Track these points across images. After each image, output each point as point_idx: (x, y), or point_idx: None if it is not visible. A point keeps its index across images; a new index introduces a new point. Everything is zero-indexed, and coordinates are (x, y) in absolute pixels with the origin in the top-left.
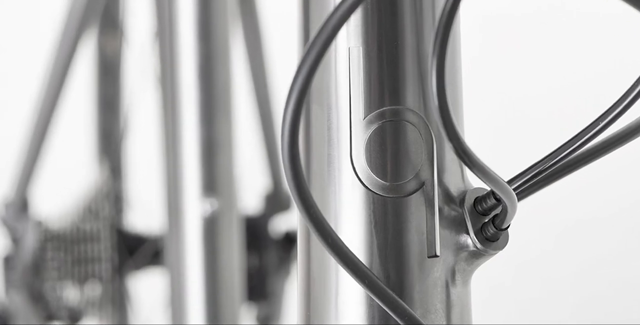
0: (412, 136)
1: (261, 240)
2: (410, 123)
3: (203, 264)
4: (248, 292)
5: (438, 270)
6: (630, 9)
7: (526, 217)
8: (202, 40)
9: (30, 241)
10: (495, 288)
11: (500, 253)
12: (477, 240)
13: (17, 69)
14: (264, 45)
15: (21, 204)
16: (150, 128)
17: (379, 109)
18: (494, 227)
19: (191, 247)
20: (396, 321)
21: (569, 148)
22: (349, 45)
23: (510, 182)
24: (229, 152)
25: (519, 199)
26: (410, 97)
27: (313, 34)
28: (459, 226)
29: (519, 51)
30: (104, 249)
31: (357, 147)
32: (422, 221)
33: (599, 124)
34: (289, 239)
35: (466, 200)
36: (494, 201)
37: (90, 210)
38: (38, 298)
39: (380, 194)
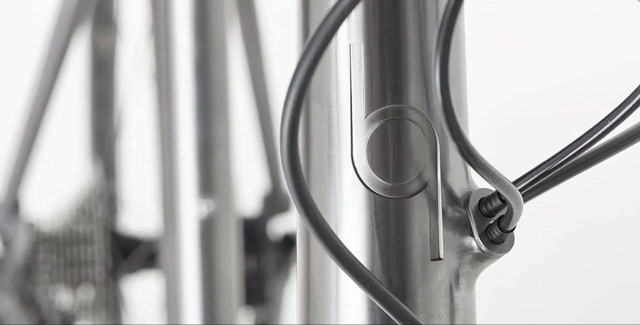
0: (415, 135)
1: (259, 243)
2: (413, 122)
3: (199, 267)
4: (246, 296)
5: (441, 274)
6: (637, 8)
7: (532, 218)
8: (198, 37)
9: (21, 243)
10: (501, 292)
11: (506, 256)
12: (481, 243)
13: (8, 66)
14: (262, 42)
15: (12, 205)
16: (145, 127)
17: (380, 107)
18: (499, 229)
19: (187, 250)
20: None
21: (577, 148)
22: (349, 42)
23: (516, 182)
24: (226, 152)
25: (525, 200)
26: (413, 95)
27: (313, 30)
28: (463, 228)
29: (524, 48)
30: (98, 251)
31: (358, 146)
32: (425, 223)
33: (608, 123)
34: (288, 241)
35: (470, 202)
36: (499, 202)
37: (83, 212)
38: (29, 302)
39: (382, 194)
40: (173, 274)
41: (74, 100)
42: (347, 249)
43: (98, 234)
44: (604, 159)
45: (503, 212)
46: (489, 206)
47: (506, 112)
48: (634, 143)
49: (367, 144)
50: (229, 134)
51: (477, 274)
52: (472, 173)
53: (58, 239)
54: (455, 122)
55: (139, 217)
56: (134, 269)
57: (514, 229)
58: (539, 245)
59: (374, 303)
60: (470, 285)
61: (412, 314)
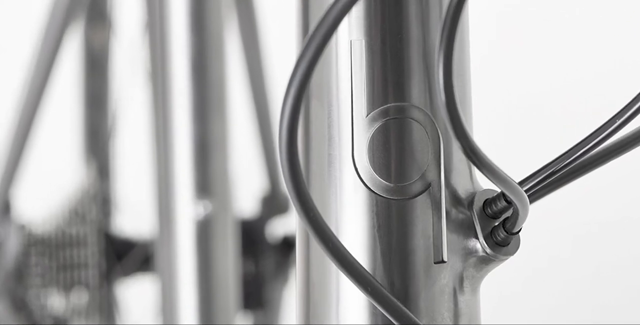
0: (418, 135)
1: (258, 245)
2: (416, 121)
3: (196, 270)
4: (244, 300)
5: (445, 277)
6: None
7: (539, 220)
8: (195, 33)
9: (12, 246)
10: (506, 296)
11: (511, 259)
12: (486, 245)
13: None
14: (260, 38)
15: (3, 207)
16: (140, 126)
17: (382, 105)
18: (505, 231)
19: (183, 253)
20: None
21: (584, 147)
22: (350, 38)
23: (521, 183)
24: (223, 151)
25: (531, 201)
26: (416, 93)
27: (313, 26)
28: (467, 230)
29: (531, 44)
30: (91, 254)
31: (359, 146)
32: (428, 225)
33: (616, 122)
34: (287, 244)
35: (475, 203)
36: (504, 203)
37: (76, 213)
38: (21, 306)
39: (384, 195)
40: (169, 278)
41: (67, 99)
42: (347, 251)
43: (91, 236)
44: (612, 159)
45: (508, 213)
46: (494, 207)
47: (512, 111)
48: None
49: (369, 143)
50: (227, 133)
51: (481, 278)
52: (477, 173)
53: (50, 242)
54: (459, 120)
55: (133, 219)
56: (128, 272)
57: (520, 231)
58: (546, 247)
59: (376, 307)
60: (475, 289)
61: (415, 318)
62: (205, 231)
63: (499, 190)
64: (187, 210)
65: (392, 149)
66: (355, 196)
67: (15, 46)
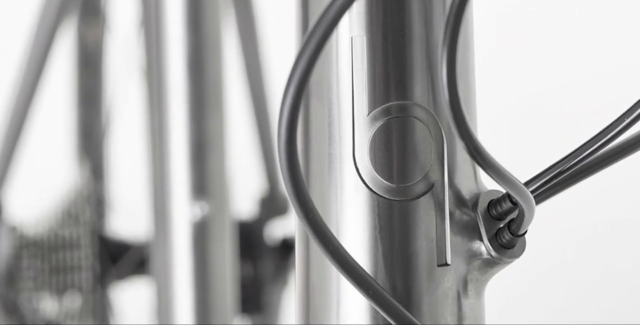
0: (421, 134)
1: (256, 247)
2: (419, 119)
3: (192, 273)
4: (241, 304)
5: (449, 280)
6: None
7: (545, 222)
8: (191, 29)
9: (4, 248)
10: (511, 299)
11: (517, 261)
12: (491, 248)
13: None
14: (259, 35)
15: None
16: (135, 125)
17: (384, 104)
18: (510, 233)
19: (179, 255)
20: None
21: (591, 147)
22: (351, 35)
23: (527, 184)
24: (220, 151)
25: (537, 203)
26: (419, 91)
27: (312, 22)
28: (471, 232)
29: (537, 41)
30: (85, 256)
31: (360, 145)
32: (431, 226)
33: (624, 121)
34: (286, 246)
35: (479, 204)
36: (509, 205)
37: (69, 215)
38: (12, 310)
39: (386, 196)
40: (164, 281)
41: (60, 97)
42: (348, 254)
43: (85, 238)
44: (620, 159)
45: (514, 215)
46: (499, 209)
47: (517, 109)
48: None
49: (370, 143)
50: (224, 132)
51: (486, 281)
52: (481, 174)
53: (43, 244)
54: (463, 119)
55: (128, 221)
56: (123, 275)
57: (526, 232)
58: (552, 250)
59: (377, 311)
60: (479, 293)
61: (418, 322)
62: (202, 233)
63: (504, 191)
64: (184, 212)
65: (394, 149)
66: (356, 197)
67: (7, 43)
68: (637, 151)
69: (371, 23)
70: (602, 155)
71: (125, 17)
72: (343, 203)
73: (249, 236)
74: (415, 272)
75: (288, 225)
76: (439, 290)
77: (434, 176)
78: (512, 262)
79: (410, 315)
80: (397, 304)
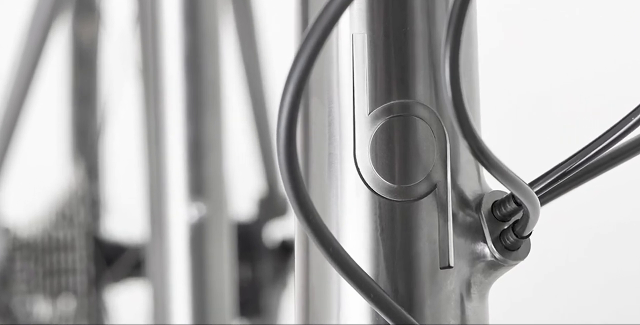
0: (423, 133)
1: (254, 250)
2: (421, 118)
3: (189, 275)
4: (240, 307)
5: (452, 283)
6: None
7: (550, 223)
8: (188, 26)
9: None
10: (516, 302)
11: (521, 264)
12: (495, 250)
13: None
14: (257, 32)
15: None
16: (130, 124)
17: (385, 103)
18: (514, 234)
19: (176, 257)
20: None
21: (598, 147)
22: (352, 32)
23: (532, 184)
24: (218, 151)
25: (542, 204)
26: (421, 90)
27: (312, 19)
28: (475, 234)
29: (542, 38)
30: (79, 259)
31: (361, 145)
32: (434, 228)
33: (631, 120)
34: (286, 248)
35: (483, 205)
36: (514, 206)
37: (63, 216)
38: (5, 314)
39: (387, 197)
40: (161, 283)
41: (54, 96)
42: (349, 256)
43: (79, 240)
44: (627, 159)
45: (518, 216)
46: (503, 210)
47: (522, 108)
48: None
49: (371, 142)
50: (222, 132)
51: (490, 283)
52: (485, 174)
53: (36, 246)
54: (466, 118)
55: (123, 222)
56: (118, 277)
57: (530, 234)
58: (557, 252)
59: (379, 315)
60: (483, 296)
61: None
62: (199, 235)
63: (509, 192)
64: (180, 213)
65: (395, 149)
66: (357, 198)
67: None
68: None
69: (372, 20)
70: (609, 155)
71: (120, 13)
72: (343, 204)
73: (247, 238)
74: (418, 274)
75: (287, 226)
76: (442, 293)
77: (437, 176)
78: (516, 264)
79: (412, 319)
80: (399, 307)
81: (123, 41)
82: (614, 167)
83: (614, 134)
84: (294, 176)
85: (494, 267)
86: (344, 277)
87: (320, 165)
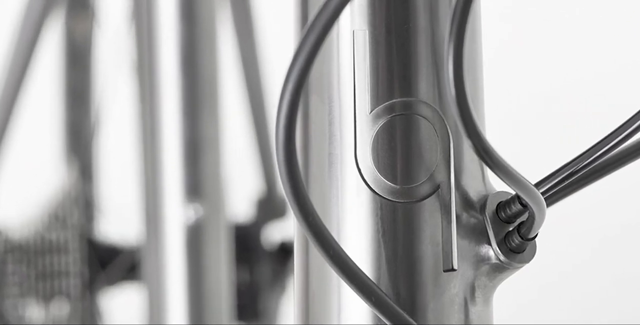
0: (426, 132)
1: (253, 252)
2: (424, 117)
3: (186, 278)
4: (238, 311)
5: (455, 286)
6: None
7: (556, 225)
8: (185, 23)
9: None
10: (521, 305)
11: (527, 266)
12: (500, 252)
13: None
14: (255, 28)
15: None
16: (125, 123)
17: (387, 101)
18: (520, 236)
19: (172, 260)
20: None
21: (605, 146)
22: (353, 28)
23: (538, 185)
24: (216, 151)
25: (548, 205)
26: (424, 88)
27: (312, 15)
28: (479, 235)
29: (549, 34)
30: (73, 261)
31: (362, 145)
32: (437, 230)
33: (639, 119)
34: (285, 250)
35: (487, 206)
36: (519, 207)
37: (56, 218)
38: None
39: (389, 198)
40: (156, 287)
41: (47, 94)
42: (350, 259)
43: (73, 242)
44: (636, 159)
45: (524, 217)
46: (508, 211)
47: (527, 107)
48: None
49: (373, 142)
50: (219, 131)
51: (494, 287)
52: (490, 174)
53: (29, 248)
54: (470, 117)
55: (118, 224)
56: (112, 281)
57: (536, 236)
58: (564, 254)
59: (380, 319)
60: (487, 299)
61: None
62: (196, 237)
63: (514, 193)
64: (177, 214)
65: (397, 148)
66: (358, 199)
67: None
68: None
69: (374, 16)
70: (617, 154)
71: (115, 9)
72: (344, 205)
73: (245, 240)
74: (420, 277)
75: (286, 228)
76: (445, 296)
77: (440, 177)
78: (521, 267)
79: (415, 323)
80: (401, 311)
81: (118, 38)
82: (622, 167)
83: (622, 133)
84: (293, 176)
85: (499, 270)
86: (344, 281)
87: (320, 166)
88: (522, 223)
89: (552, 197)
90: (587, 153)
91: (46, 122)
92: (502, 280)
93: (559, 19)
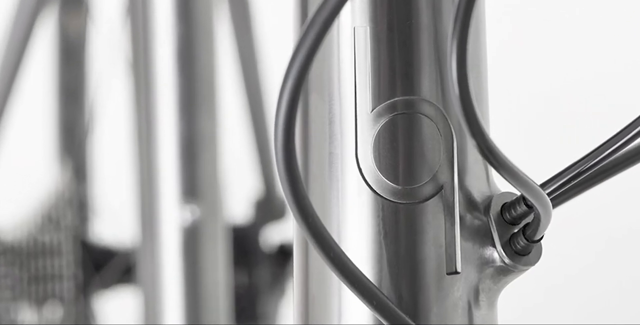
0: (429, 132)
1: (251, 254)
2: (426, 116)
3: (182, 281)
4: (236, 314)
5: (459, 289)
6: None
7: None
8: (181, 18)
9: None
10: (526, 310)
11: (532, 269)
12: (504, 254)
13: None
14: (254, 25)
15: None
16: (120, 122)
17: (389, 99)
18: (525, 238)
19: (168, 262)
20: None
21: (613, 146)
22: (354, 25)
23: (543, 185)
24: (213, 151)
25: (554, 206)
26: (426, 86)
27: (312, 11)
28: (483, 237)
29: (554, 31)
30: (66, 264)
31: (363, 144)
32: (440, 231)
33: None
34: (284, 253)
35: (492, 207)
36: (524, 208)
37: (49, 219)
38: None
39: (391, 199)
40: (152, 290)
41: (40, 92)
42: (350, 261)
43: (66, 245)
44: None
45: (529, 219)
46: (513, 212)
47: (532, 105)
48: None
49: (374, 141)
50: (217, 130)
51: (499, 290)
52: (494, 175)
53: (21, 250)
54: (474, 116)
55: (113, 225)
56: (107, 284)
57: (542, 238)
58: (570, 256)
59: (382, 323)
60: (492, 303)
61: None
62: (192, 239)
63: (519, 194)
64: (173, 216)
65: (399, 148)
66: (359, 200)
67: None
68: None
69: (375, 12)
70: (624, 155)
71: (109, 5)
72: (345, 206)
73: (243, 242)
74: (423, 280)
75: (286, 230)
76: (449, 300)
77: (443, 177)
78: (527, 270)
79: None
80: (403, 315)
81: (112, 34)
82: (629, 167)
83: (629, 133)
84: (292, 177)
85: (504, 272)
86: (345, 283)
87: (320, 166)
88: (527, 225)
89: (559, 198)
90: (593, 153)
91: (39, 121)
92: (507, 283)
93: (559, 19)
